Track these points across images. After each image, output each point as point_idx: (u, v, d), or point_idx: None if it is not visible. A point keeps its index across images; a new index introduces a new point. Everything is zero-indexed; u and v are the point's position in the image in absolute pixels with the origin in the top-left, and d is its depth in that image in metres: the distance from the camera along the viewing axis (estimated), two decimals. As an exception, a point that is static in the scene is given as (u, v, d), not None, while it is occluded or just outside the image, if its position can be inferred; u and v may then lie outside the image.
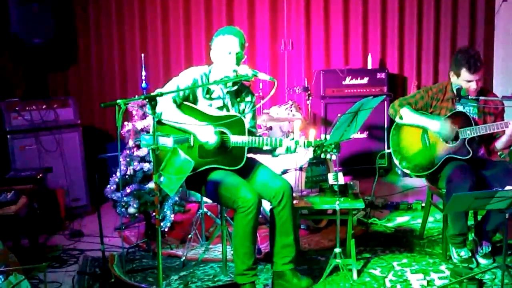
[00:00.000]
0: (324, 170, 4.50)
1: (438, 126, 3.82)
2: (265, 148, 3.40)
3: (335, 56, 6.39)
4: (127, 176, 4.34)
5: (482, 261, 3.78)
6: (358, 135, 5.81)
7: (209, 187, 3.35)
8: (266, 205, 3.83)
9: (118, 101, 2.50)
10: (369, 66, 6.25)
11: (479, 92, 3.83)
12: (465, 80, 3.77)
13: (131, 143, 4.38)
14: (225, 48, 3.38)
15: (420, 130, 3.92)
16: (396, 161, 3.98)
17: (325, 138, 3.33)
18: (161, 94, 2.77)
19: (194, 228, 4.12)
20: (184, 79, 3.39)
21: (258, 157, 3.62)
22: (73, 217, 4.92)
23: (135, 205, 4.22)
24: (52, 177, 4.68)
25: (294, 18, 6.26)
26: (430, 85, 4.16)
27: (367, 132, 5.95)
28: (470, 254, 3.76)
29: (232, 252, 3.48)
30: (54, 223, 4.64)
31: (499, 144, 3.85)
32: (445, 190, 3.76)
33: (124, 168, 4.31)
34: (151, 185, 4.24)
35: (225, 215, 3.68)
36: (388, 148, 4.19)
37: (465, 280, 3.35)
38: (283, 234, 3.39)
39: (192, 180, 3.33)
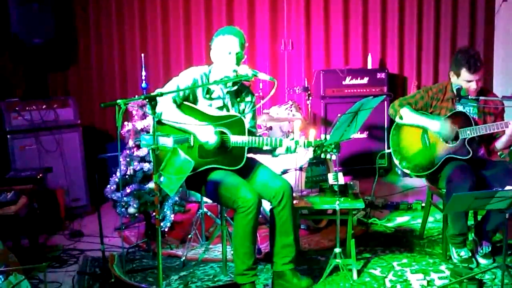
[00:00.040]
0: (324, 170, 4.50)
1: (438, 126, 3.82)
2: (265, 148, 3.40)
3: (335, 56, 6.40)
4: (127, 176, 4.34)
5: (482, 261, 3.78)
6: (358, 135, 5.79)
7: (209, 187, 3.35)
8: (266, 205, 3.83)
9: (118, 101, 2.50)
10: (369, 66, 6.26)
11: (479, 92, 3.84)
12: (465, 80, 3.78)
13: (131, 143, 4.38)
14: (225, 48, 3.38)
15: (420, 130, 3.92)
16: (396, 161, 3.98)
17: (325, 138, 3.33)
18: (161, 94, 2.77)
19: (194, 228, 4.12)
20: (184, 79, 3.39)
21: (258, 157, 3.62)
22: (73, 217, 4.92)
23: (135, 205, 4.22)
24: (52, 177, 4.68)
25: (294, 18, 6.26)
26: (430, 85, 4.16)
27: (367, 132, 5.95)
28: (470, 254, 3.77)
29: (232, 252, 3.48)
30: (54, 223, 4.64)
31: (499, 144, 3.85)
32: (445, 190, 3.77)
33: (124, 168, 4.31)
34: (151, 185, 4.24)
35: (225, 215, 3.68)
36: (388, 148, 4.19)
37: (465, 280, 3.35)
38: (283, 234, 3.39)
39: (192, 180, 3.33)
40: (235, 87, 3.51)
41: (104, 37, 5.83)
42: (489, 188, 3.64)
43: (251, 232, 3.24)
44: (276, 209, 3.36)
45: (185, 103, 3.37)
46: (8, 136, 4.74)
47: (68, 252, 4.18)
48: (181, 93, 3.35)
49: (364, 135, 5.95)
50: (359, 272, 3.65)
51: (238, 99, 3.56)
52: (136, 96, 2.81)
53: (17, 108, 4.80)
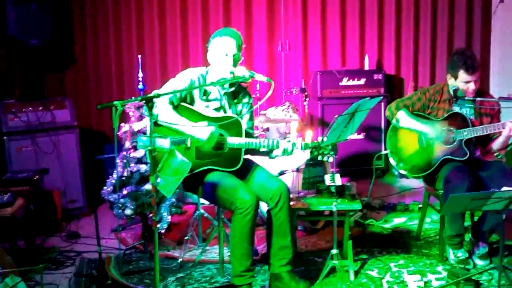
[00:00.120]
0: (321, 171, 4.49)
1: (433, 133, 3.84)
2: (262, 149, 3.40)
3: (332, 57, 6.40)
4: (124, 178, 4.33)
5: (479, 262, 3.79)
6: (355, 136, 5.76)
7: (206, 189, 3.35)
8: (263, 207, 3.83)
9: (115, 102, 2.50)
10: (366, 67, 6.26)
11: (476, 93, 3.85)
12: (463, 81, 3.79)
13: (128, 144, 4.37)
14: (222, 50, 3.39)
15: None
16: (393, 162, 3.99)
17: (322, 140, 3.33)
18: (158, 96, 2.76)
19: (191, 230, 4.12)
20: (181, 80, 3.39)
21: (255, 158, 3.62)
22: (70, 219, 4.91)
23: (132, 207, 4.22)
24: (49, 178, 4.67)
25: (291, 19, 6.26)
26: (427, 87, 4.17)
27: (364, 133, 5.93)
28: (467, 255, 3.77)
29: (229, 253, 3.48)
30: (51, 225, 4.63)
31: (496, 145, 3.86)
32: (442, 191, 3.77)
33: (121, 170, 4.31)
34: (148, 186, 4.23)
35: (222, 216, 3.68)
36: (385, 149, 4.20)
37: (462, 281, 3.36)
38: (280, 236, 3.39)
39: (189, 181, 3.32)
40: (232, 89, 3.51)
41: (101, 38, 5.82)
42: (486, 189, 3.65)
43: (248, 234, 3.24)
44: (273, 210, 3.37)
45: (182, 104, 3.37)
46: (5, 137, 4.73)
47: (65, 254, 4.18)
48: (178, 95, 3.35)
49: (361, 136, 5.91)
50: (356, 273, 3.66)
51: (235, 101, 3.56)
52: (133, 98, 2.82)
53: (13, 110, 4.80)
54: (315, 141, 3.36)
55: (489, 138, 3.88)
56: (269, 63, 6.24)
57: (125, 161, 4.33)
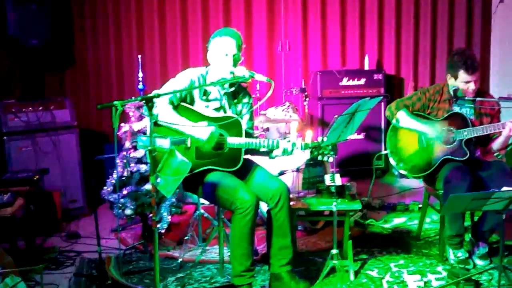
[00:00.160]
0: (321, 171, 4.49)
1: (433, 134, 3.84)
2: (262, 149, 3.40)
3: (332, 57, 6.40)
4: (123, 178, 4.34)
5: (479, 262, 3.79)
6: (355, 136, 5.78)
7: (206, 189, 3.35)
8: (263, 207, 3.83)
9: (115, 102, 2.50)
10: (366, 67, 6.26)
11: (476, 93, 3.85)
12: (463, 81, 3.79)
13: (128, 144, 4.37)
14: (222, 50, 3.39)
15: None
16: (393, 162, 3.99)
17: (322, 140, 3.33)
18: (158, 96, 2.77)
19: (191, 230, 4.12)
20: (181, 80, 3.39)
21: (255, 158, 3.62)
22: (70, 219, 4.91)
23: (131, 207, 4.22)
24: (49, 178, 4.67)
25: (291, 19, 6.26)
26: (427, 87, 4.17)
27: (364, 133, 5.93)
28: (467, 255, 3.78)
29: (229, 253, 3.48)
30: (51, 225, 4.63)
31: (496, 145, 3.86)
32: (442, 191, 3.77)
33: (121, 170, 4.31)
34: (148, 186, 4.23)
35: (222, 216, 3.68)
36: (385, 149, 4.20)
37: (462, 281, 3.36)
38: (280, 236, 3.39)
39: (189, 181, 3.33)
40: (232, 89, 3.51)
41: (100, 38, 5.82)
42: (486, 189, 3.65)
43: (248, 234, 3.24)
44: (273, 210, 3.37)
45: (182, 104, 3.37)
46: (5, 137, 4.73)
47: (65, 254, 4.18)
48: (178, 95, 3.35)
49: (361, 136, 5.92)
50: (356, 273, 3.66)
51: (235, 101, 3.57)
52: (133, 98, 2.82)
53: (13, 110, 4.80)
54: (315, 141, 3.36)
55: (489, 138, 3.89)
56: (269, 63, 6.24)
57: (125, 161, 4.34)
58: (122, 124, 4.39)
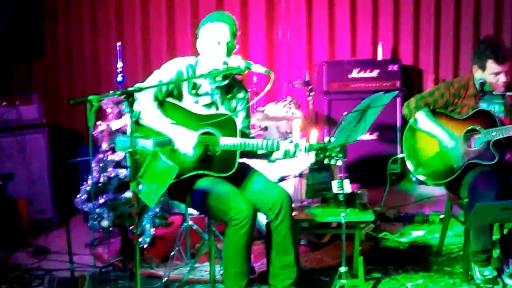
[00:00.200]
0: (328, 177, 4.51)
1: (453, 144, 3.85)
2: (260, 152, 3.40)
3: (341, 46, 6.41)
4: (100, 184, 4.34)
5: (509, 281, 3.80)
6: (366, 137, 5.82)
7: (195, 197, 3.36)
8: (262, 218, 3.84)
9: (90, 97, 2.50)
10: (380, 57, 6.27)
11: (507, 87, 3.86)
12: (492, 73, 3.80)
13: (105, 145, 4.37)
14: (213, 37, 3.39)
15: (438, 131, 3.95)
16: (411, 167, 4.00)
17: (329, 140, 3.34)
18: (140, 89, 2.77)
19: (178, 244, 4.12)
20: (166, 72, 3.39)
21: (252, 162, 3.63)
22: (38, 232, 4.91)
23: (109, 218, 4.22)
24: (13, 185, 4.66)
25: (293, 2, 6.27)
26: (452, 80, 4.19)
27: (378, 133, 5.97)
28: (496, 274, 3.78)
29: (221, 271, 3.48)
30: (15, 239, 4.62)
31: (530, 147, 3.88)
32: (467, 200, 3.78)
33: (97, 175, 4.31)
34: (128, 194, 4.23)
35: (214, 229, 3.68)
36: (402, 152, 4.21)
37: (489, 304, 3.37)
38: (282, 253, 3.39)
39: (175, 188, 3.32)
40: (226, 82, 3.52)
41: (73, 23, 5.82)
42: (517, 197, 3.66)
43: (244, 249, 3.25)
44: (273, 223, 3.36)
45: (169, 100, 3.37)
46: (-38, 137, 4.74)
47: (32, 273, 4.17)
48: (164, 88, 3.35)
49: (373, 137, 5.97)
50: (368, 295, 3.67)
51: (229, 96, 3.57)
52: (111, 92, 2.82)
53: (-28, 106, 4.81)
54: (321, 142, 3.36)
55: (522, 139, 3.90)
56: (269, 52, 6.26)
57: (101, 165, 4.34)
58: (98, 123, 4.40)
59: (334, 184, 3.83)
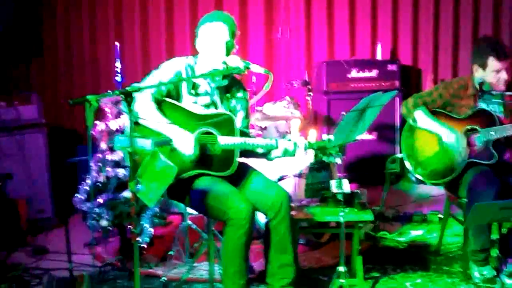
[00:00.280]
0: (327, 176, 4.51)
1: (453, 139, 3.85)
2: (258, 150, 3.40)
3: (340, 46, 6.41)
4: (99, 184, 4.34)
5: (508, 281, 3.80)
6: (365, 136, 5.80)
7: (194, 197, 3.35)
8: (261, 217, 3.84)
9: (89, 97, 2.50)
10: (379, 57, 6.28)
11: (507, 86, 3.86)
12: (494, 70, 3.80)
13: (104, 145, 4.37)
14: (212, 37, 3.39)
15: (437, 131, 3.95)
16: (410, 167, 4.00)
17: (328, 140, 3.34)
18: (139, 89, 2.76)
19: (177, 244, 4.12)
20: (165, 71, 3.38)
21: (251, 161, 3.62)
22: (37, 231, 4.91)
23: (108, 217, 4.22)
24: (13, 185, 4.66)
25: (292, 2, 6.27)
26: (450, 80, 4.19)
27: (376, 133, 5.95)
28: (494, 273, 3.78)
29: (220, 271, 3.48)
30: (15, 238, 4.62)
31: (529, 146, 3.88)
32: (466, 200, 3.78)
33: (96, 175, 4.31)
34: (126, 194, 4.23)
35: (213, 228, 3.68)
36: (400, 151, 4.21)
37: (488, 303, 3.37)
38: (280, 252, 3.38)
39: (174, 188, 3.31)
40: (225, 82, 3.51)
41: (72, 23, 5.82)
42: (516, 196, 3.66)
43: (243, 248, 3.24)
44: (272, 222, 3.36)
45: (167, 100, 3.36)
46: (-38, 137, 4.74)
47: (31, 272, 4.17)
48: (163, 88, 3.34)
49: (372, 136, 5.94)
50: (367, 294, 3.67)
51: (228, 95, 3.57)
52: (110, 92, 2.81)
53: (-29, 106, 4.81)
54: (320, 141, 3.35)
55: (521, 139, 3.90)
56: (267, 52, 6.25)
57: (100, 164, 4.34)
58: (97, 122, 4.39)
59: (333, 184, 3.82)
